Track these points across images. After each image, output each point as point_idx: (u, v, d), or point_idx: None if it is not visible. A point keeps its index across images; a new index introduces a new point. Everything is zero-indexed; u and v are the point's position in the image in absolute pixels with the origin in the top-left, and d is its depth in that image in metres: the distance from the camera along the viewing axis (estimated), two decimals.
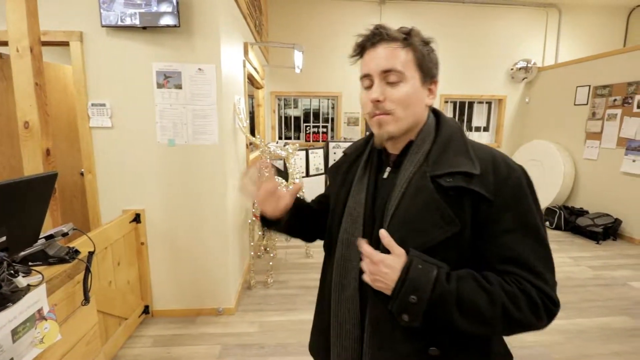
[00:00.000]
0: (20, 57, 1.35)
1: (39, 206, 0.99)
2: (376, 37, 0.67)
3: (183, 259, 2.37)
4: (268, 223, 0.86)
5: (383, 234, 0.65)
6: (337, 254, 0.76)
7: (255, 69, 3.49)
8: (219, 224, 2.35)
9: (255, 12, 3.74)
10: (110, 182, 2.24)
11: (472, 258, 0.65)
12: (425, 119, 0.72)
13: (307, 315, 2.42)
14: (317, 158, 4.57)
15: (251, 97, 4.83)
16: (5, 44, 1.79)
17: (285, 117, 5.64)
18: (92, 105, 2.14)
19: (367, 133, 0.86)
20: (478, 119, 5.79)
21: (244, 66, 2.95)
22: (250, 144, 3.32)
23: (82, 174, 2.54)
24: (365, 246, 0.65)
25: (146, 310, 2.36)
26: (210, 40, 2.13)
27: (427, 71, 0.69)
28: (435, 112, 0.75)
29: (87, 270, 1.21)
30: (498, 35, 5.37)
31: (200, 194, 2.29)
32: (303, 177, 4.31)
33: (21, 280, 0.94)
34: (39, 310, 0.98)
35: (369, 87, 0.69)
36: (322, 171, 4.58)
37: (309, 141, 5.59)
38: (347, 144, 5.79)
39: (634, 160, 3.93)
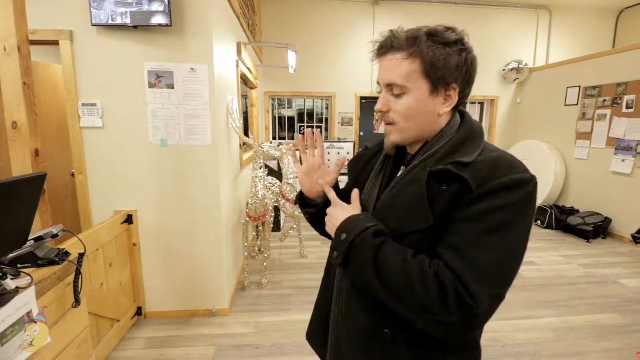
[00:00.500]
0: (7, 55, 1.32)
1: (27, 207, 0.98)
2: (383, 48, 0.68)
3: (176, 260, 2.35)
4: (304, 203, 0.87)
5: (354, 195, 0.76)
6: None
7: (248, 68, 3.48)
8: (212, 225, 2.34)
9: (249, 12, 3.73)
10: (102, 183, 2.21)
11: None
12: (442, 125, 0.70)
13: (301, 315, 2.42)
14: None
15: (244, 97, 4.81)
16: None
17: (279, 117, 5.64)
18: (83, 105, 2.12)
19: None
20: None
21: (237, 66, 2.94)
22: (244, 144, 3.30)
23: (72, 174, 2.50)
24: (331, 193, 0.77)
25: (139, 311, 2.33)
26: (202, 39, 2.12)
27: (439, 79, 0.64)
28: (461, 114, 0.73)
29: (78, 272, 1.19)
30: (490, 36, 5.42)
31: (193, 194, 2.28)
32: (297, 177, 4.30)
33: (9, 283, 0.93)
34: (28, 313, 0.97)
35: None
36: None
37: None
38: (341, 144, 5.76)
39: (623, 160, 4.00)
